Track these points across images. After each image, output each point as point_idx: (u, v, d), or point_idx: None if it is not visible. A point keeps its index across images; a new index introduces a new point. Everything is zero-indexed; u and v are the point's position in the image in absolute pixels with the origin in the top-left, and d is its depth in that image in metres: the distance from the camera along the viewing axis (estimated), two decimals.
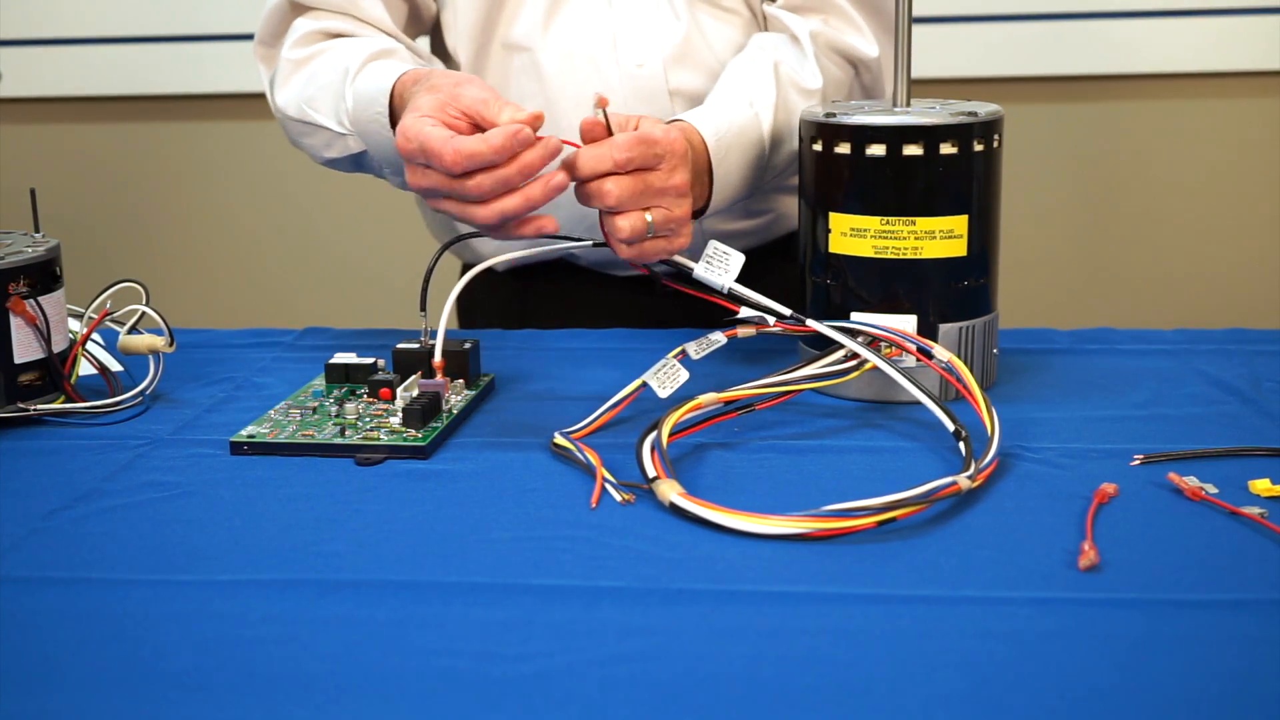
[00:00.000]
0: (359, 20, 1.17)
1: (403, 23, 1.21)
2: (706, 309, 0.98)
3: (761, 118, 1.10)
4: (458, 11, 1.21)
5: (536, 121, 0.91)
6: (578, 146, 0.94)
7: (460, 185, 0.91)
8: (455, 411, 0.95)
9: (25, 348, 0.96)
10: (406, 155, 0.93)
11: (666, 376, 0.92)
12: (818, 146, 0.98)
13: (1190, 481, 0.80)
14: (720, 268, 0.95)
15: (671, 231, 0.96)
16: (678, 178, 0.96)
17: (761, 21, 1.22)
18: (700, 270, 0.96)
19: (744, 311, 0.96)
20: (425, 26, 1.25)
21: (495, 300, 1.32)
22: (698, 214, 1.07)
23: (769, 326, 0.95)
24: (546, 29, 1.19)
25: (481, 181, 0.90)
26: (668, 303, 1.05)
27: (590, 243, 1.00)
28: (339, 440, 0.90)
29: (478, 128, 0.93)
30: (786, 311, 0.96)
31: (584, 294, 1.29)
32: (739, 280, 0.96)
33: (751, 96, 1.11)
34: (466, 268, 1.40)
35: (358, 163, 1.13)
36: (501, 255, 1.05)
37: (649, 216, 0.95)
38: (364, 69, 1.07)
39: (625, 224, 0.94)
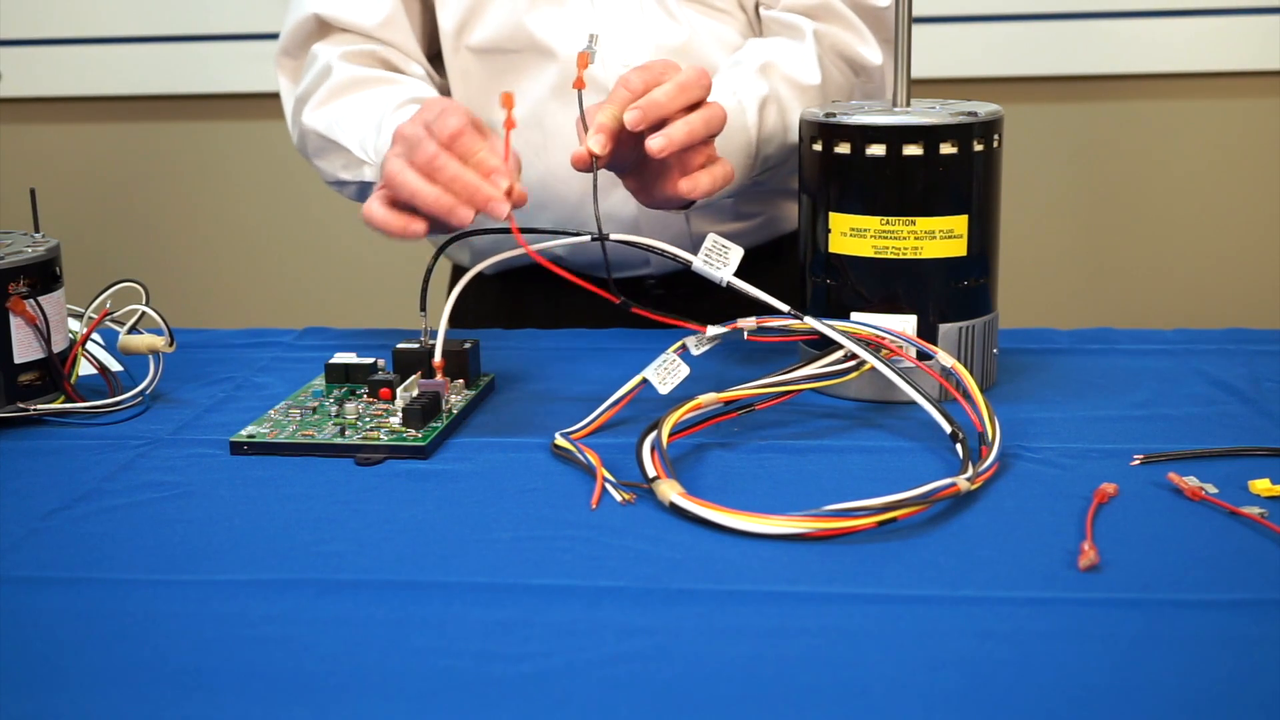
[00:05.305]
0: (383, 43, 1.18)
1: (425, 45, 1.22)
2: (698, 306, 0.98)
3: (746, 106, 1.09)
4: (443, 16, 1.21)
5: (520, 200, 0.92)
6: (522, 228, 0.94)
7: (422, 145, 0.93)
8: (455, 411, 0.95)
9: (25, 348, 0.96)
10: (427, 106, 0.95)
11: (667, 372, 0.92)
12: (818, 146, 0.98)
13: (1190, 481, 0.80)
14: (719, 261, 0.94)
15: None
16: (699, 71, 0.96)
17: (757, 24, 1.21)
18: (699, 264, 0.94)
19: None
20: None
21: (484, 304, 1.32)
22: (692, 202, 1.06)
23: (769, 320, 0.94)
24: (528, 31, 1.19)
25: (427, 149, 0.92)
26: (653, 303, 1.04)
27: (589, 237, 0.97)
28: (339, 440, 0.90)
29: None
30: (785, 308, 0.95)
31: (572, 296, 1.29)
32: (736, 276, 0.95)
33: (735, 87, 1.10)
34: (456, 271, 1.40)
35: (363, 193, 1.14)
36: (493, 258, 1.04)
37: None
38: (402, 109, 1.09)
39: (699, 121, 0.94)
